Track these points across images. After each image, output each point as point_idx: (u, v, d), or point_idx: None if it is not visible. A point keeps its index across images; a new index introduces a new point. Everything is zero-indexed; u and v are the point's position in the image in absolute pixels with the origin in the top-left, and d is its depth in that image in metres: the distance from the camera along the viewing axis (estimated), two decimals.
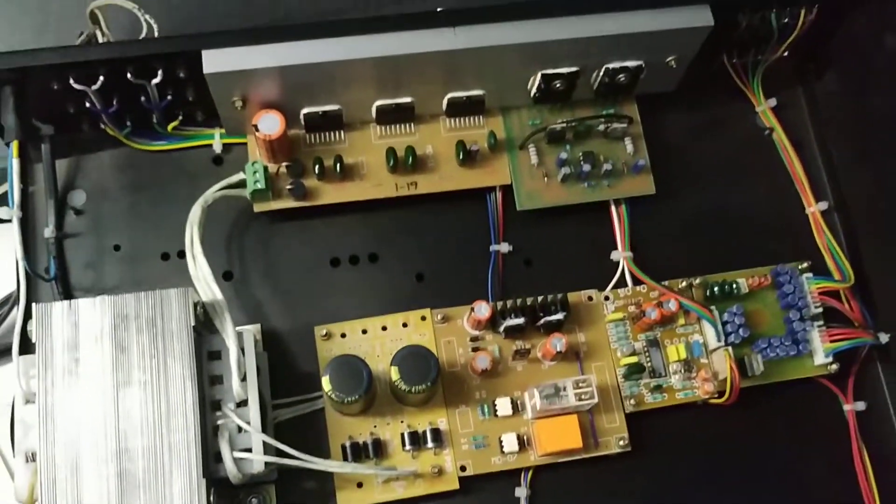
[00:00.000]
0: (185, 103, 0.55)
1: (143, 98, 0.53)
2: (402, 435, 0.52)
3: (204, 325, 0.49)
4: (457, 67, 0.53)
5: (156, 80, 0.52)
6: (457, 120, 0.58)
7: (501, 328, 0.54)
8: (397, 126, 0.57)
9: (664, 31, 0.53)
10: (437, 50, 0.51)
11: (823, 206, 0.59)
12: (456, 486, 0.52)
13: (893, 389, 0.57)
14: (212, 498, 0.44)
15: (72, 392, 0.45)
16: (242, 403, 0.48)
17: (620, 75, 0.56)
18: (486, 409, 0.53)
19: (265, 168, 0.55)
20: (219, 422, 0.47)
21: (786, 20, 0.55)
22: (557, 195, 0.58)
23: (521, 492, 0.53)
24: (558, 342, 0.52)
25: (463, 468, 0.52)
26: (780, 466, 0.56)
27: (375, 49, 0.51)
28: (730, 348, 0.53)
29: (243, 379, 0.48)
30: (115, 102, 0.53)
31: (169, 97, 0.54)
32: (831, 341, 0.55)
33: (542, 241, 0.58)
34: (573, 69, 0.55)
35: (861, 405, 0.56)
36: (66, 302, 0.46)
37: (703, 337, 0.55)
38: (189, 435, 0.44)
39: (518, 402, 0.53)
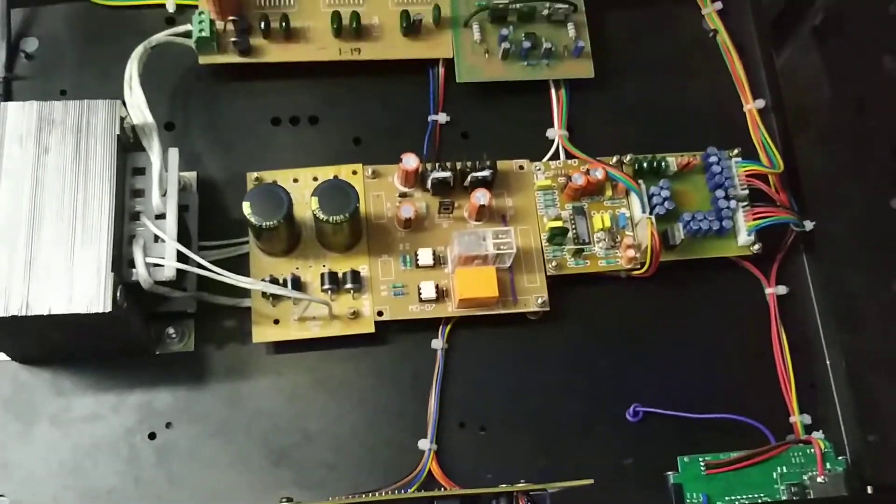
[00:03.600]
0: None
1: None
2: (322, 275, 0.53)
3: (132, 145, 0.50)
4: None
5: None
6: (403, 21, 0.59)
7: (429, 183, 0.54)
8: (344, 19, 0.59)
9: None
10: None
11: (760, 104, 0.60)
12: (372, 329, 0.53)
13: (816, 275, 0.58)
14: (118, 295, 0.45)
15: None
16: (161, 217, 0.48)
17: None
18: (408, 260, 0.54)
19: (212, 21, 0.56)
20: (136, 230, 0.48)
21: None
22: (497, 71, 0.59)
23: (438, 343, 0.54)
24: (482, 196, 0.53)
25: (380, 313, 0.53)
26: (698, 344, 0.56)
27: None
28: (653, 217, 0.54)
29: (164, 195, 0.49)
30: None
31: None
32: (754, 219, 0.55)
33: (481, 115, 0.59)
34: None
35: (783, 289, 0.57)
36: None
37: (630, 211, 0.56)
38: (102, 231, 0.45)
39: (440, 256, 0.54)
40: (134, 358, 0.53)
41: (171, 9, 0.59)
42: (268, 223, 0.49)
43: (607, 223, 0.55)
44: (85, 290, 0.44)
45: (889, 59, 0.52)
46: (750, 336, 0.56)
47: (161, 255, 0.47)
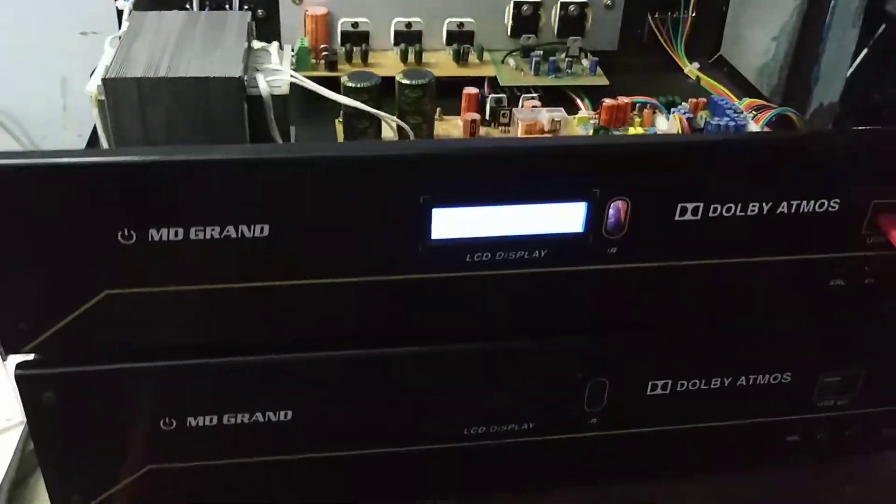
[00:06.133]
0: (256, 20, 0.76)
1: (227, 7, 0.75)
2: None
3: None
4: None
5: None
6: (454, 50, 0.77)
7: (487, 107, 0.66)
8: (409, 48, 0.77)
9: None
10: None
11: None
12: None
13: None
14: (245, 76, 0.54)
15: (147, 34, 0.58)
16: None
17: (571, 6, 0.77)
18: None
19: (308, 48, 0.73)
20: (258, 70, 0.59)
21: None
22: (531, 80, 0.74)
23: None
24: (534, 102, 0.65)
25: None
26: None
27: None
28: (678, 112, 0.65)
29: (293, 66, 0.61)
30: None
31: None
32: (761, 120, 0.66)
33: None
34: None
35: None
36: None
37: (657, 129, 0.67)
38: (237, 46, 0.56)
39: None
40: None
41: None
42: (361, 84, 0.60)
43: (641, 131, 0.65)
44: (220, 65, 0.54)
45: None
46: None
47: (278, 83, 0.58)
